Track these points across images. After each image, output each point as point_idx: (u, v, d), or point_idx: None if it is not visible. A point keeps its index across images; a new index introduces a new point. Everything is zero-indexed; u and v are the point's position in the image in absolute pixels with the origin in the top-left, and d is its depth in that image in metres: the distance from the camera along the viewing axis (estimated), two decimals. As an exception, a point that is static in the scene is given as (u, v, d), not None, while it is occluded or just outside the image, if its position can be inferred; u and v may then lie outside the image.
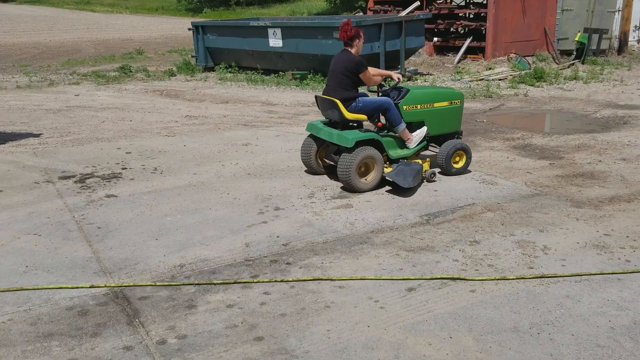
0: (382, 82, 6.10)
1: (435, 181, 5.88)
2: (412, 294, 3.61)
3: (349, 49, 5.64)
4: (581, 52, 15.53)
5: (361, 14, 19.23)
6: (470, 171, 6.18)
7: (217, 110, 9.87)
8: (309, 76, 12.61)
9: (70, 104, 10.34)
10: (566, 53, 16.29)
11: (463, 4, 16.91)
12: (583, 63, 15.34)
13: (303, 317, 3.34)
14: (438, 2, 15.92)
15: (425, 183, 5.81)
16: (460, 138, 6.32)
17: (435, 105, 5.99)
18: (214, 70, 14.99)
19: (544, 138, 7.78)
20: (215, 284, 3.73)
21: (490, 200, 5.32)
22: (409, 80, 12.44)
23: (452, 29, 16.29)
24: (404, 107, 5.79)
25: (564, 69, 14.52)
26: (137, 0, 58.77)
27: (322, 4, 41.68)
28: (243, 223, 4.75)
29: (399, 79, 5.94)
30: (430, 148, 6.34)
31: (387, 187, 5.65)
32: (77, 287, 3.70)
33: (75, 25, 34.34)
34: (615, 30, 17.81)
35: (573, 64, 15.11)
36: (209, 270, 3.93)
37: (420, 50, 14.62)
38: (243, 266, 3.99)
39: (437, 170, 6.05)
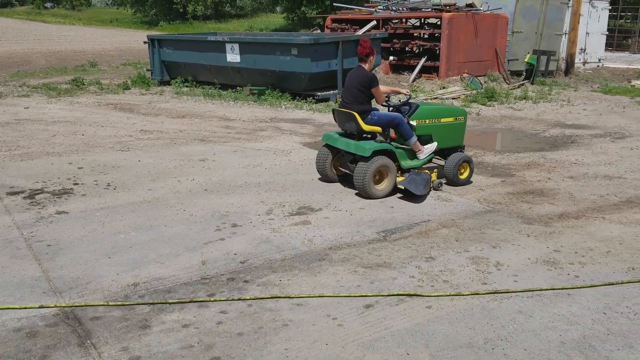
0: (390, 98, 6.49)
1: (441, 190, 6.25)
2: (370, 311, 3.63)
3: (363, 65, 6.05)
4: (530, 73, 16.08)
5: (319, 31, 19.43)
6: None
7: (173, 124, 9.75)
8: (267, 92, 12.62)
9: (20, 117, 10.03)
10: (516, 74, 16.83)
11: (418, 24, 17.30)
12: (532, 83, 15.87)
13: (261, 336, 3.31)
14: (394, 22, 16.24)
15: (381, 200, 5.87)
16: (463, 151, 6.71)
17: (442, 120, 6.43)
18: (170, 84, 14.83)
19: (496, 156, 8.00)
20: (170, 304, 3.66)
21: (445, 217, 5.42)
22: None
23: (407, 48, 16.60)
24: (415, 122, 6.20)
25: (514, 88, 15.00)
26: (90, 12, 57.76)
27: (280, 20, 41.95)
28: (199, 240, 4.69)
29: (409, 95, 6.45)
30: (434, 160, 6.70)
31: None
32: (25, 308, 3.56)
33: (25, 35, 33.41)
34: (563, 53, 18.55)
35: (523, 84, 15.62)
36: (163, 289, 3.85)
37: (377, 69, 14.85)
38: (199, 285, 3.93)
39: (443, 180, 6.41)
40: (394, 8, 17.47)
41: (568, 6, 18.42)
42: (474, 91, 13.76)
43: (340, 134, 6.24)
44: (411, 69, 15.97)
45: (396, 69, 16.43)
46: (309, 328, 3.40)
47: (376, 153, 5.81)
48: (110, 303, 3.63)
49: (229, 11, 49.88)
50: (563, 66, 18.36)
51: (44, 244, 4.57)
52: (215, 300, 3.70)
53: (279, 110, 11.50)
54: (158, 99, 12.66)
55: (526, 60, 16.23)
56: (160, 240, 4.68)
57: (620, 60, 23.27)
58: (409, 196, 5.93)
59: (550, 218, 5.50)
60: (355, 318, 3.54)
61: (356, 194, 6.02)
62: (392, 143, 6.13)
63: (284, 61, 12.09)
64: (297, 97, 12.49)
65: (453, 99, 13.17)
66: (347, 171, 6.19)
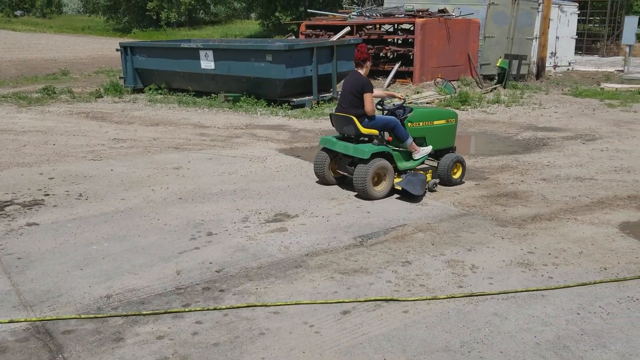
0: (385, 102, 6.72)
1: (436, 190, 6.42)
2: (347, 317, 3.62)
3: (360, 70, 6.24)
4: (502, 77, 16.31)
5: (293, 37, 19.47)
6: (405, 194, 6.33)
7: (147, 132, 9.65)
8: (242, 98, 12.57)
9: (-12, 127, 9.82)
10: (488, 78, 17.07)
11: (391, 30, 17.43)
12: (504, 87, 16.10)
13: (237, 346, 3.27)
14: (367, 27, 16.34)
15: (358, 206, 5.88)
16: (454, 152, 6.87)
17: (435, 122, 6.63)
18: (143, 92, 14.67)
19: (470, 159, 8.07)
20: (144, 315, 3.59)
21: (420, 221, 5.44)
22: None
23: (381, 54, 16.73)
24: (409, 124, 6.39)
25: (487, 93, 15.19)
26: (62, 20, 56.94)
27: (255, 26, 41.91)
28: (174, 250, 4.63)
29: (403, 99, 6.67)
30: (426, 161, 6.87)
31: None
32: (-7, 323, 3.47)
33: (-6, 44, 32.79)
34: (534, 57, 18.87)
35: (495, 88, 15.84)
36: (137, 301, 3.79)
37: (351, 74, 14.90)
38: (174, 295, 3.87)
39: (437, 180, 6.53)
40: (367, 14, 17.59)
41: (538, 11, 18.76)
42: (448, 95, 13.89)
43: (338, 138, 6.38)
44: (385, 74, 16.07)
45: (371, 74, 16.50)
46: (285, 336, 3.38)
47: (375, 155, 5.97)
48: (82, 316, 3.56)
49: (203, 18, 49.67)
50: (534, 70, 18.68)
51: (14, 256, 4.47)
52: (190, 311, 3.65)
53: (254, 116, 11.46)
54: (131, 107, 12.52)
55: (498, 64, 16.47)
56: (133, 250, 4.61)
57: (589, 64, 23.76)
58: (407, 197, 6.07)
59: (523, 220, 5.56)
60: (333, 325, 3.52)
61: (355, 195, 6.15)
62: (389, 145, 6.33)
63: (258, 67, 12.06)
64: (273, 104, 12.46)
65: (427, 103, 13.27)
66: (346, 174, 6.36)
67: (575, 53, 22.43)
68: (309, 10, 23.85)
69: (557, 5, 19.79)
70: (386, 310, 3.72)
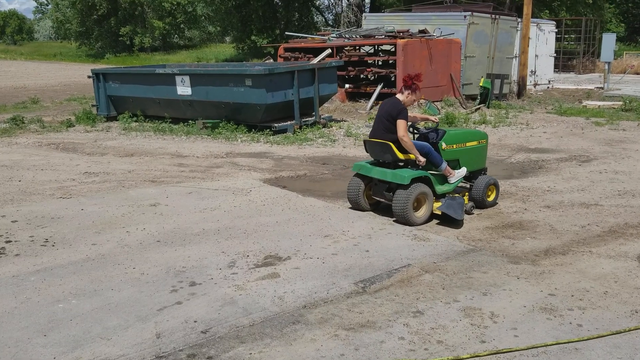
0: (417, 126, 6.65)
1: (473, 213, 6.32)
2: (359, 388, 3.09)
3: (399, 96, 6.17)
4: (485, 97, 16.08)
5: (271, 60, 19.06)
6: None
7: (121, 164, 9.05)
8: (221, 125, 12.04)
9: (-52, 163, 9.12)
10: (471, 98, 16.84)
11: (372, 51, 17.15)
12: (488, 107, 15.87)
13: None
14: (347, 49, 16.02)
15: (354, 243, 5.37)
16: (486, 174, 6.82)
17: (468, 144, 6.58)
18: (117, 120, 14.06)
19: (467, 186, 7.65)
20: (119, 395, 3.02)
21: (425, 260, 4.95)
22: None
23: (362, 76, 16.40)
24: (443, 147, 6.30)
25: (471, 113, 14.92)
26: (33, 46, 56.02)
27: (230, 50, 41.57)
28: (153, 306, 4.06)
29: (437, 122, 6.64)
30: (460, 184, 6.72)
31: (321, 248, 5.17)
32: None
33: (-39, 72, 31.84)
34: (514, 75, 18.74)
35: (479, 109, 15.59)
36: (111, 375, 3.21)
37: (333, 97, 14.52)
38: (154, 366, 3.30)
39: (473, 203, 6.42)
40: (347, 36, 17.28)
41: (517, 29, 18.69)
42: (436, 117, 13.56)
43: (372, 163, 6.30)
44: (367, 96, 15.73)
45: (352, 96, 16.17)
46: (289, 417, 2.84)
47: (414, 180, 5.86)
48: (43, 399, 2.98)
49: (177, 42, 49.23)
50: (515, 89, 18.53)
51: (-34, 321, 3.85)
52: (173, 386, 3.09)
53: (234, 144, 10.93)
54: (104, 136, 11.90)
55: (481, 84, 16.26)
56: (106, 308, 4.02)
57: (568, 81, 23.80)
58: (447, 221, 5.95)
59: (536, 255, 5.11)
60: (343, 399, 2.99)
61: (394, 220, 6.02)
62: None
63: (237, 92, 11.58)
64: (253, 130, 11.96)
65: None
66: (383, 200, 6.23)
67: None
68: (286, 33, 23.53)
69: (535, 24, 19.76)
70: (403, 376, 3.20)
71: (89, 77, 14.80)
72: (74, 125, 13.34)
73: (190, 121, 12.74)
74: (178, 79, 12.59)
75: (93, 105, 14.89)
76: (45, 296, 4.22)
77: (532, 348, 3.51)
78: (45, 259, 4.97)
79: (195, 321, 3.83)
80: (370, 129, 6.40)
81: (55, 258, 4.99)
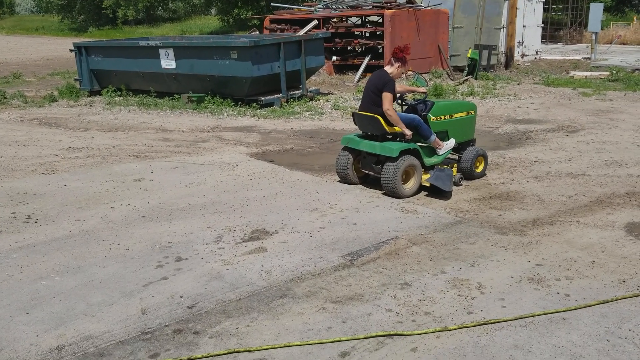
0: (404, 97, 6.51)
1: (462, 185, 6.31)
2: (347, 361, 3.07)
3: (388, 68, 6.07)
4: (473, 68, 15.97)
5: (257, 32, 18.75)
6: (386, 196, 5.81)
7: (105, 139, 8.90)
8: (206, 98, 11.87)
9: None
10: (458, 69, 16.72)
11: (359, 22, 16.91)
12: (476, 79, 15.77)
13: (218, 410, 2.70)
14: (334, 21, 15.78)
15: (342, 217, 5.33)
16: (474, 145, 6.77)
17: (456, 115, 6.51)
18: (101, 94, 13.82)
19: (455, 158, 7.61)
20: (104, 372, 2.99)
21: (413, 232, 4.93)
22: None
23: (350, 48, 16.19)
24: (432, 118, 6.24)
25: (459, 84, 14.83)
26: (14, 20, 54.78)
27: (215, 22, 40.88)
28: (138, 282, 4.00)
29: (426, 93, 6.56)
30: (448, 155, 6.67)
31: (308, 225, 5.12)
32: None
33: (-60, 47, 31.10)
34: (502, 46, 18.61)
35: (467, 80, 15.50)
36: (95, 352, 3.16)
37: (320, 70, 14.34)
38: (139, 342, 3.26)
39: (461, 175, 6.42)
40: (333, 7, 17.01)
41: (505, 0, 18.49)
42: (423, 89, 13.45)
43: (360, 136, 6.24)
44: (355, 68, 15.56)
45: (340, 69, 15.99)
46: (276, 391, 2.82)
47: (403, 153, 5.83)
48: (27, 377, 2.93)
49: (162, 15, 48.32)
50: (503, 60, 18.41)
51: (-54, 299, 3.78)
52: (159, 362, 3.06)
53: (220, 118, 10.79)
54: (88, 111, 11.69)
55: (469, 55, 16.12)
56: (90, 285, 3.97)
57: (555, 52, 23.72)
58: (435, 193, 5.95)
59: (523, 226, 5.11)
60: (331, 372, 2.98)
61: (383, 193, 5.96)
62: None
63: (223, 65, 11.39)
64: (240, 103, 11.81)
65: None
66: (372, 173, 6.19)
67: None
68: (272, 4, 23.11)
69: (523, -6, 19.58)
70: (391, 349, 3.19)
71: (71, 50, 14.50)
72: (57, 100, 13.10)
73: (175, 95, 12.55)
74: (162, 51, 12.36)
75: (76, 80, 14.62)
76: (28, 273, 4.15)
77: (520, 318, 3.51)
78: (28, 235, 4.89)
79: (181, 296, 3.78)
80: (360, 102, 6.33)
81: (37, 235, 4.90)
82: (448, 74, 16.06)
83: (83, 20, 45.65)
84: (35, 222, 5.22)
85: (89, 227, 5.09)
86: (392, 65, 6.09)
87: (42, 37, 41.97)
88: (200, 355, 3.11)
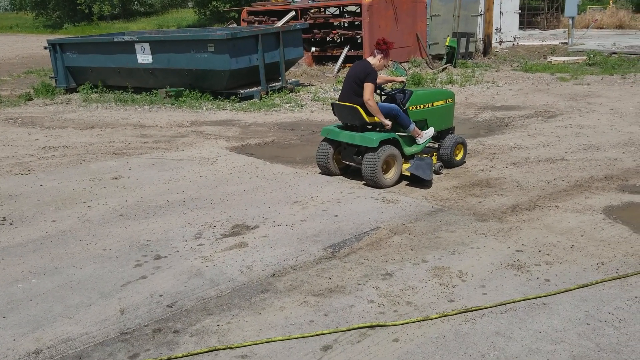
0: (384, 87, 6.58)
1: (442, 173, 6.31)
2: (329, 354, 3.06)
3: (370, 59, 6.05)
4: (452, 56, 16.00)
5: (235, 25, 18.58)
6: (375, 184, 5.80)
7: (81, 137, 8.77)
8: (185, 93, 11.74)
9: None
10: (437, 57, 16.73)
11: (337, 13, 16.83)
12: (455, 67, 15.80)
13: (200, 408, 2.67)
14: (312, 11, 15.69)
15: (323, 209, 5.31)
16: (453, 133, 6.78)
17: (435, 104, 6.51)
18: (77, 92, 13.61)
19: (435, 146, 7.62)
20: (82, 374, 2.94)
21: (394, 222, 4.93)
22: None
23: (328, 38, 16.13)
24: (410, 108, 6.24)
25: (438, 73, 14.85)
26: (-14, 18, 53.65)
27: (192, 16, 40.46)
28: (116, 282, 3.95)
29: (404, 82, 6.58)
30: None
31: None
32: None
33: None
34: (480, 34, 18.66)
35: (446, 68, 15.52)
36: (73, 355, 3.11)
37: (299, 61, 14.26)
38: (118, 342, 3.21)
39: (441, 163, 6.42)
40: (311, -3, 16.89)
41: (482, -13, 18.52)
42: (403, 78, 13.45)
43: (340, 127, 6.22)
44: (334, 59, 15.51)
45: (319, 60, 15.92)
46: (258, 388, 2.80)
47: (382, 143, 5.81)
48: (3, 383, 2.88)
49: (138, 9, 47.69)
50: (481, 47, 18.48)
51: None
52: (139, 363, 3.02)
53: (199, 112, 10.69)
54: (64, 109, 11.51)
55: (447, 43, 16.14)
56: (67, 286, 3.90)
57: (533, 38, 23.85)
58: (416, 182, 5.95)
59: (503, 212, 5.13)
60: (313, 366, 2.96)
61: (364, 184, 5.96)
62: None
63: (200, 59, 11.27)
64: (219, 97, 11.70)
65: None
66: (352, 164, 6.16)
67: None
68: (249, -4, 22.93)
69: (500, -19, 19.62)
70: (373, 340, 3.18)
71: (45, 48, 14.24)
72: (33, 99, 12.87)
73: (153, 90, 12.39)
74: (138, 46, 12.18)
75: (51, 77, 14.37)
76: (4, 276, 4.07)
77: (501, 305, 3.52)
78: (3, 238, 4.79)
79: (160, 295, 3.74)
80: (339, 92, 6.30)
81: (13, 237, 4.81)
82: (427, 63, 16.08)
83: (58, 16, 44.88)
84: (11, 223, 5.12)
85: (66, 227, 5.00)
86: (374, 56, 6.08)
87: (16, 35, 41.16)
88: (180, 355, 3.07)
